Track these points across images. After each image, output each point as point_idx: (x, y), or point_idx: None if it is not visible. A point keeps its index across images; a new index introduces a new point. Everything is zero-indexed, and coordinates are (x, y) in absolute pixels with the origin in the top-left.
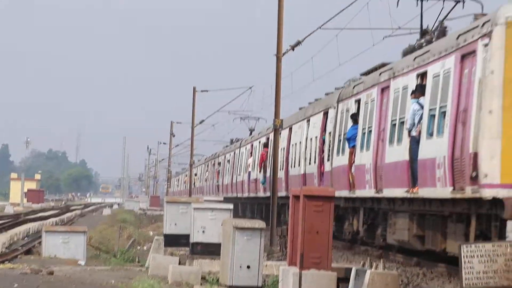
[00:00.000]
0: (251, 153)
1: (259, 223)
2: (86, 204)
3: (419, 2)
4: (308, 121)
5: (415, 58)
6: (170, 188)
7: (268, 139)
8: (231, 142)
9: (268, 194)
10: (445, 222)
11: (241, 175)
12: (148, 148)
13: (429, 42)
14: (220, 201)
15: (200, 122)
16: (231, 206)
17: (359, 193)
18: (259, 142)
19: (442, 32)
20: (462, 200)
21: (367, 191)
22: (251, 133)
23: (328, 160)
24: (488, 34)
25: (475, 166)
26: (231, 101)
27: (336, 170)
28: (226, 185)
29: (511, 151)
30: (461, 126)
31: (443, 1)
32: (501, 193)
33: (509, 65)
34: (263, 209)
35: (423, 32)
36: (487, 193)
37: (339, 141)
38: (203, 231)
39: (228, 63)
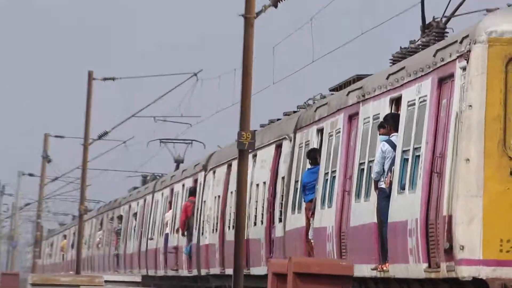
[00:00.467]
0: (171, 202)
1: None
2: None
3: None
4: (255, 156)
5: (388, 76)
6: (40, 258)
7: (196, 181)
8: (144, 181)
9: (195, 272)
10: None
11: (155, 240)
12: None
13: (425, 45)
14: (135, 283)
15: (101, 137)
16: None
17: None
18: (183, 185)
19: (441, 33)
20: (442, 281)
21: None
22: (177, 166)
23: (280, 220)
24: (466, 55)
25: (449, 235)
26: (155, 101)
27: (290, 235)
28: (130, 254)
29: (496, 214)
30: (437, 177)
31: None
32: (483, 272)
33: (493, 97)
34: None
35: (426, 26)
36: (464, 272)
37: (295, 190)
38: None
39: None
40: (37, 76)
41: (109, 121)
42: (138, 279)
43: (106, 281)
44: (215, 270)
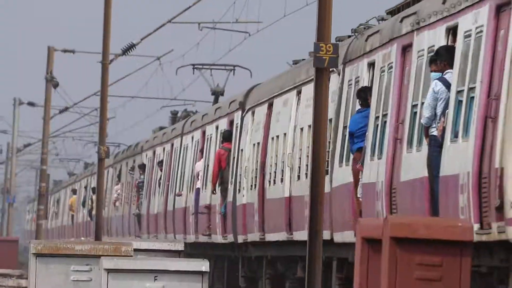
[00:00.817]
0: (202, 149)
1: None
2: None
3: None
4: (299, 92)
5: (444, 1)
6: (46, 218)
7: (232, 123)
8: (173, 119)
9: (230, 238)
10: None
11: (184, 196)
12: None
13: None
14: (176, 252)
15: (126, 51)
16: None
17: None
18: (216, 127)
19: None
20: (496, 244)
21: None
22: (216, 100)
23: (326, 173)
24: None
25: (501, 190)
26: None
27: (337, 192)
28: (155, 215)
29: None
30: (491, 123)
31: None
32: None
33: None
34: (225, 270)
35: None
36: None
37: (343, 137)
38: None
39: None
40: None
41: (135, 34)
42: (180, 247)
43: (136, 250)
44: (254, 237)
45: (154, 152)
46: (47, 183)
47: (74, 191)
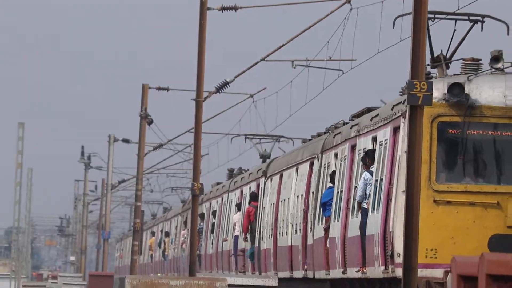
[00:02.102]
0: (239, 204)
1: None
2: None
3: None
4: (297, 169)
5: (372, 119)
6: (141, 254)
7: (258, 187)
8: (230, 175)
9: (258, 279)
10: None
11: (228, 241)
12: (82, 150)
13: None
14: None
15: (220, 89)
16: None
17: (332, 273)
18: (249, 188)
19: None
20: (395, 280)
21: (336, 271)
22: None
23: (311, 230)
24: (402, 115)
25: (391, 245)
26: (293, 39)
27: (316, 243)
28: (210, 255)
29: (424, 232)
30: (389, 202)
31: (455, 21)
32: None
33: (422, 146)
34: None
35: (435, 60)
36: (400, 273)
37: (319, 205)
38: None
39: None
40: None
41: (229, 71)
42: (274, 283)
43: (230, 286)
44: (270, 274)
45: (210, 204)
46: (141, 219)
47: (152, 233)
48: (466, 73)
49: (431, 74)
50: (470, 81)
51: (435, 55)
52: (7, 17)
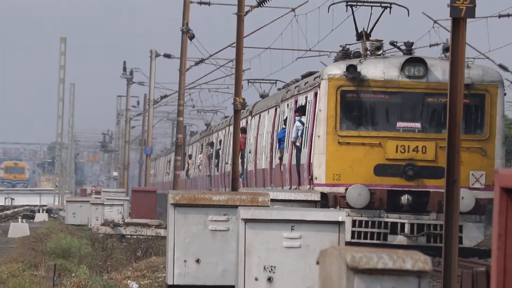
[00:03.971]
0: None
1: (416, 257)
2: None
3: (349, 8)
4: (268, 112)
5: (305, 83)
6: (184, 169)
7: (246, 123)
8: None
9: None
10: None
11: (229, 164)
12: (124, 65)
13: (367, 49)
14: (312, 202)
15: (261, 3)
16: None
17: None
18: (241, 123)
19: (378, 47)
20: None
21: (286, 188)
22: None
23: (273, 158)
24: (318, 85)
25: (311, 172)
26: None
27: (275, 168)
28: (216, 176)
29: (331, 163)
30: (311, 143)
31: (371, 7)
32: (326, 190)
33: (330, 105)
34: None
35: (359, 35)
36: (317, 189)
37: (278, 140)
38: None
39: None
40: None
41: None
42: (316, 197)
43: (272, 200)
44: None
45: (218, 134)
46: (183, 134)
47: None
48: (375, 48)
49: (356, 49)
50: (361, 63)
51: (359, 31)
52: None
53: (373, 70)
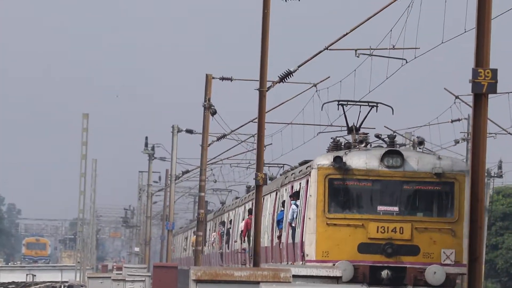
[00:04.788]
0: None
1: None
2: None
3: (340, 107)
4: (270, 195)
5: (299, 171)
6: (204, 245)
7: (253, 204)
8: (247, 190)
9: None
10: None
11: (238, 242)
12: (146, 141)
13: (366, 143)
14: (334, 278)
15: (283, 78)
16: None
17: (282, 265)
18: (248, 205)
19: (361, 140)
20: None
21: (284, 263)
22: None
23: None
24: (309, 173)
25: (303, 249)
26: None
27: (275, 246)
28: (227, 253)
29: (321, 242)
30: (303, 224)
31: (360, 106)
32: (316, 265)
33: (320, 191)
34: None
35: (350, 129)
36: (306, 264)
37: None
38: None
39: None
40: None
41: (292, 61)
42: (338, 273)
43: (294, 276)
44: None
45: (228, 214)
46: (205, 209)
47: (194, 233)
48: (358, 142)
49: (346, 139)
50: (346, 154)
51: (350, 125)
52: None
53: (357, 160)
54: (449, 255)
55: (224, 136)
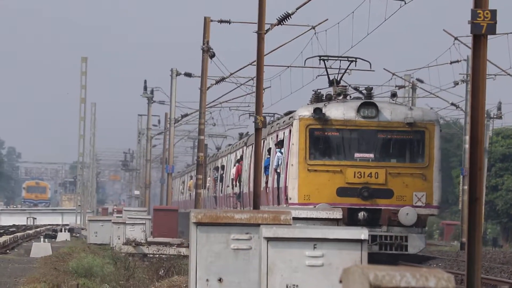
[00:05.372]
0: (238, 161)
1: (439, 275)
2: None
3: (322, 62)
4: (251, 145)
5: (283, 122)
6: (205, 188)
7: (243, 151)
8: (240, 137)
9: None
10: None
11: (230, 187)
12: (145, 84)
13: (344, 95)
14: (334, 220)
15: (282, 21)
16: None
17: (268, 208)
18: (236, 154)
19: (339, 93)
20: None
21: (270, 206)
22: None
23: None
24: (291, 124)
25: (286, 193)
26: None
27: (262, 191)
28: (220, 197)
29: (302, 186)
30: (286, 170)
31: (340, 61)
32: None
33: (301, 140)
34: None
35: (331, 82)
36: (290, 207)
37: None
38: None
39: None
40: None
41: (290, 3)
42: (338, 215)
43: (294, 218)
44: (247, 208)
45: (221, 160)
46: (204, 152)
47: (191, 177)
48: (337, 94)
49: (328, 92)
50: (325, 106)
51: (331, 79)
52: None
53: (335, 111)
54: (420, 197)
55: (223, 79)
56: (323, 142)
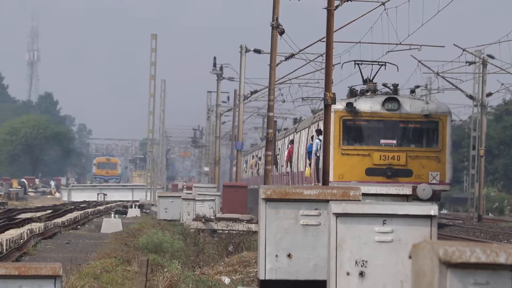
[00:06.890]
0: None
1: (510, 251)
2: (54, 207)
3: (356, 65)
4: (304, 130)
5: (320, 116)
6: (274, 164)
7: (294, 136)
8: (294, 121)
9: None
10: None
11: (284, 167)
12: (214, 61)
13: (374, 91)
14: (404, 196)
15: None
16: None
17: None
18: (289, 138)
19: (367, 90)
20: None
21: (312, 184)
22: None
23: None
24: (321, 118)
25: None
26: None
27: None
28: (276, 176)
29: (337, 167)
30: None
31: (372, 64)
32: (333, 185)
33: (336, 129)
34: None
35: (364, 81)
36: (331, 184)
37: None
38: None
39: None
40: None
41: None
42: (408, 191)
43: (363, 194)
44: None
45: (278, 143)
46: (274, 129)
47: (252, 157)
48: (369, 91)
49: (362, 88)
50: (356, 101)
51: (364, 78)
52: None
53: (364, 105)
54: (435, 176)
55: (292, 55)
56: (354, 130)
